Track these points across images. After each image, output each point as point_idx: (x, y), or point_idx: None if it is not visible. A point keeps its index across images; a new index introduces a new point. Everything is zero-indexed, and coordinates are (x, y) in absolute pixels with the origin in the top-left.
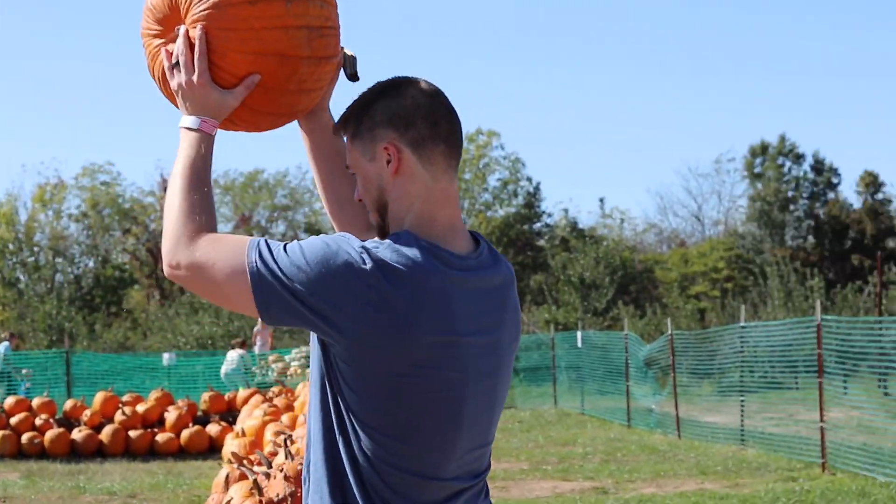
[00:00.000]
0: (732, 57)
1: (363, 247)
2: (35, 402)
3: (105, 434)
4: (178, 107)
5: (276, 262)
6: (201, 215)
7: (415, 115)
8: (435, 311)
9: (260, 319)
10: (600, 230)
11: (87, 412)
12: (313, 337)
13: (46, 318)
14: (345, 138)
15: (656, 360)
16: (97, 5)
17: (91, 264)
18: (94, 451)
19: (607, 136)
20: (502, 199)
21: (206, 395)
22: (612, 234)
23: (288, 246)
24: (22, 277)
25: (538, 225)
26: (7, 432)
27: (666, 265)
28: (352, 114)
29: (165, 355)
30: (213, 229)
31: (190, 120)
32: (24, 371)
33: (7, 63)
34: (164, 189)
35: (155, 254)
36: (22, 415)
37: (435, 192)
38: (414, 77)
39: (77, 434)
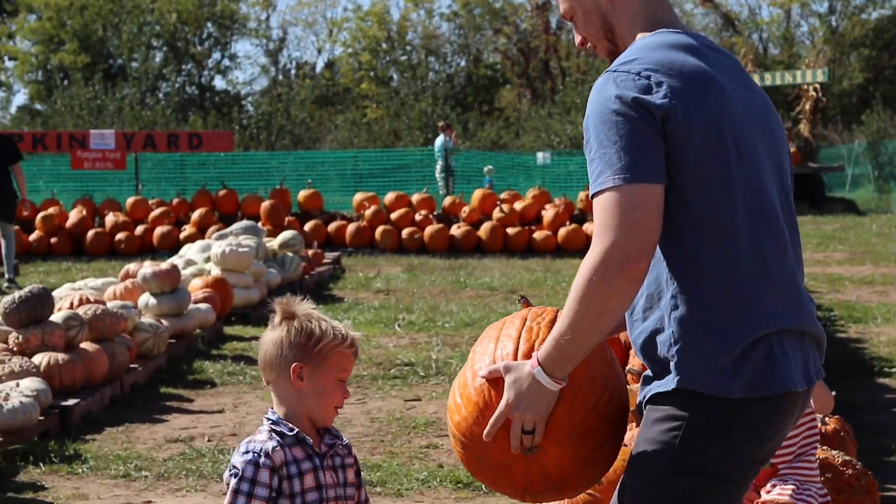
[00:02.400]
0: None
1: (617, 96)
2: (414, 198)
3: (483, 231)
4: None
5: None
6: None
7: None
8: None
9: None
10: None
11: (466, 209)
12: None
13: (422, 116)
14: None
15: None
16: None
17: (462, 63)
18: (473, 248)
19: None
20: (876, 1)
21: (582, 194)
22: None
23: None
24: (395, 76)
25: None
26: (388, 227)
27: None
28: None
29: (540, 154)
30: None
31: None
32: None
33: None
34: None
35: (526, 53)
36: (402, 210)
37: (652, 1)
38: None
39: (456, 230)
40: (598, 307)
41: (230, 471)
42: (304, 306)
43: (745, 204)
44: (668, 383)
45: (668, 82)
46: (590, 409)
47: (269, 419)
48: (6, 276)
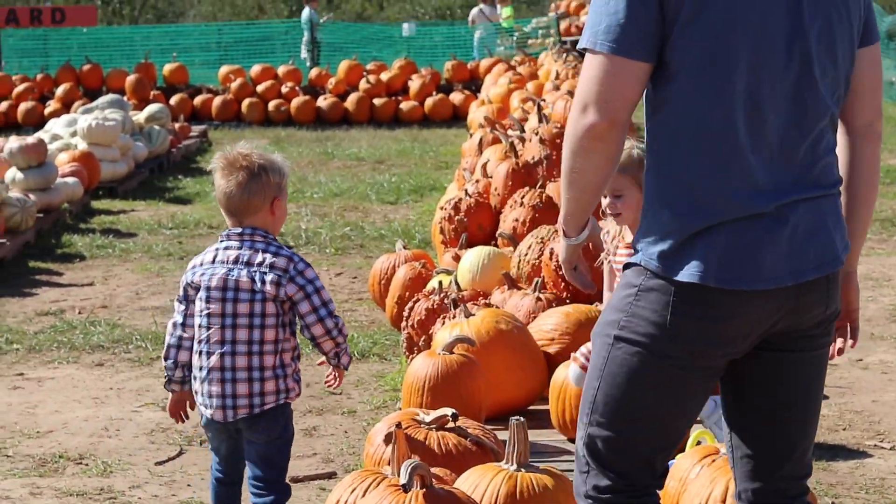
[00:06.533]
0: None
1: None
2: (280, 70)
3: (350, 102)
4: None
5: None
6: None
7: None
8: None
9: None
10: None
11: (332, 80)
12: None
13: None
14: None
15: None
16: None
17: None
18: (340, 119)
19: None
20: None
21: (448, 64)
22: None
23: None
24: None
25: None
26: (254, 100)
27: None
28: None
29: (405, 25)
30: None
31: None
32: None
33: None
34: None
35: None
36: (268, 83)
37: None
38: None
39: (322, 102)
40: (579, 166)
41: (294, 271)
42: (248, 146)
43: (703, 86)
44: (635, 256)
45: None
46: None
47: (273, 240)
48: None
